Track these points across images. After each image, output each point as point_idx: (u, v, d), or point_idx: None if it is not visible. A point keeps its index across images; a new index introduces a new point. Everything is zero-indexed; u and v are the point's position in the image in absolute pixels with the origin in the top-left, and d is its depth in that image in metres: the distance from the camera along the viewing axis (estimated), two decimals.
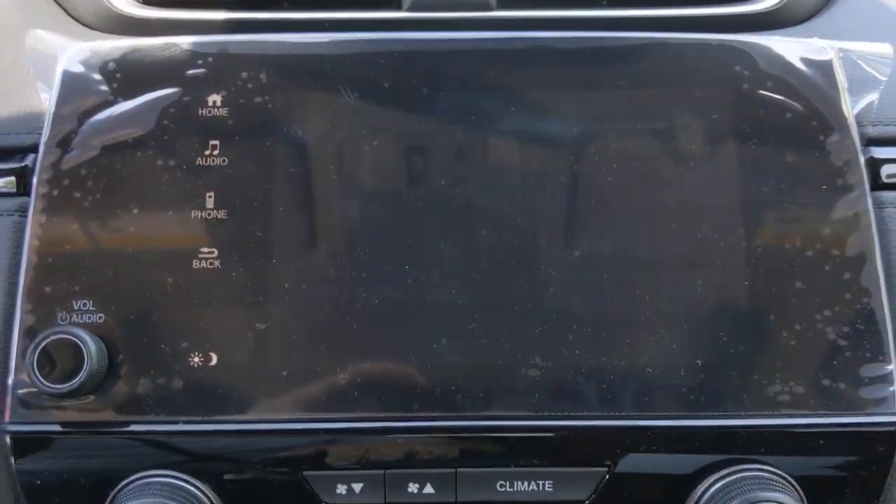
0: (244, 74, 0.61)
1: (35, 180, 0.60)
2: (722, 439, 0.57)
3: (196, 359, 0.57)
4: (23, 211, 0.62)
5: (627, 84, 0.61)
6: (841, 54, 0.64)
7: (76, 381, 0.54)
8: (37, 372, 0.54)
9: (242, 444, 0.57)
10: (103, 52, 0.62)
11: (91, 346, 0.55)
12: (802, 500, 0.56)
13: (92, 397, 0.56)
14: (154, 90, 0.61)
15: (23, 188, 0.63)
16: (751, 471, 0.56)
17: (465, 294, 0.58)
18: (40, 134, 0.63)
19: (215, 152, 0.60)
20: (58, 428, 0.56)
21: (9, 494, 0.59)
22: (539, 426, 0.57)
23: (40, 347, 0.54)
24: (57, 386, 0.54)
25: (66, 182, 0.59)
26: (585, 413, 0.57)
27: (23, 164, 0.63)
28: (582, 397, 0.57)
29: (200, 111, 0.61)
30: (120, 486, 0.56)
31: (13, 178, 0.63)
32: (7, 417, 0.56)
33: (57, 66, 0.62)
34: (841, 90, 0.63)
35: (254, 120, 0.61)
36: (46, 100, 0.63)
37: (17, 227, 0.61)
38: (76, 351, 0.55)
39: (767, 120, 0.61)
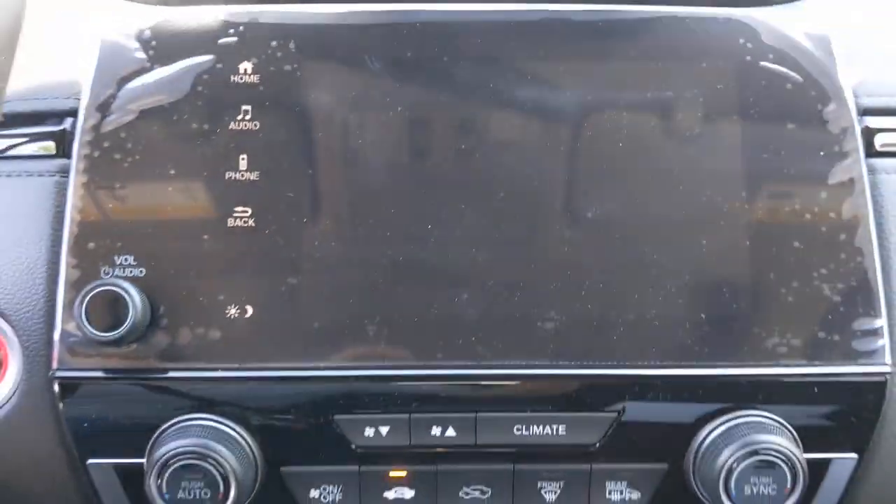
0: (274, 43, 0.64)
1: (76, 143, 0.63)
2: (723, 388, 0.61)
3: (233, 311, 0.60)
4: (63, 172, 0.65)
5: (639, 54, 0.65)
6: (839, 29, 0.68)
7: (121, 331, 0.58)
8: (85, 321, 0.58)
9: (277, 390, 0.60)
10: (139, 22, 0.65)
11: (135, 297, 0.58)
12: (798, 445, 0.60)
13: (135, 346, 0.59)
14: (188, 58, 0.64)
15: (61, 150, 0.66)
16: (750, 416, 0.61)
17: (485, 252, 0.61)
18: (77, 99, 0.66)
19: (247, 117, 0.63)
20: (102, 374, 0.60)
21: (56, 438, 0.63)
22: (553, 374, 0.61)
23: (88, 298, 0.58)
24: (104, 334, 0.58)
25: (106, 144, 0.62)
26: (597, 362, 0.60)
27: (61, 128, 0.66)
28: (593, 348, 0.60)
29: (232, 78, 0.64)
30: (161, 428, 0.60)
31: (52, 142, 0.67)
32: (55, 364, 0.60)
33: (95, 34, 0.65)
34: (838, 62, 0.67)
35: (283, 87, 0.64)
36: (83, 67, 0.66)
37: (59, 187, 0.65)
38: (121, 302, 0.58)
39: (769, 90, 0.65)
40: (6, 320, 0.63)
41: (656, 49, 0.65)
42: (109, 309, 0.58)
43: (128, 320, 0.58)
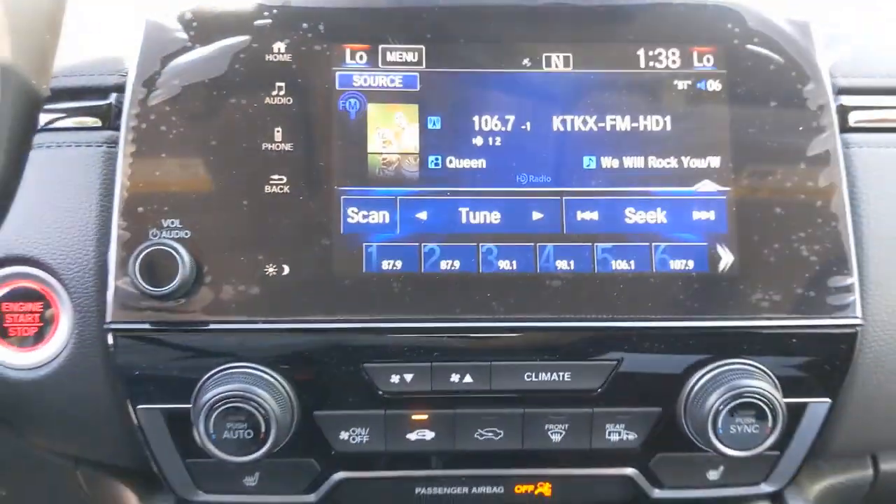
0: (305, 25, 0.70)
1: (125, 116, 0.68)
2: (711, 339, 0.68)
3: (270, 269, 0.66)
4: (110, 143, 0.70)
5: (637, 37, 0.71)
6: (818, 15, 0.74)
7: (172, 286, 0.63)
8: (139, 277, 0.63)
9: (311, 341, 0.66)
10: (182, 4, 0.70)
11: (183, 256, 0.64)
12: (778, 389, 0.67)
13: (183, 300, 0.65)
14: (226, 38, 0.70)
15: (107, 123, 0.72)
16: (735, 364, 0.67)
17: (498, 218, 0.68)
18: (122, 76, 0.71)
19: (281, 93, 0.69)
20: (153, 326, 0.65)
21: (107, 385, 0.68)
22: (559, 327, 0.67)
23: (141, 256, 0.64)
24: (156, 289, 0.63)
25: (152, 117, 0.68)
26: (598, 316, 0.67)
27: (107, 102, 0.72)
28: (595, 303, 0.67)
29: (267, 56, 0.70)
30: (206, 376, 0.66)
31: (98, 115, 0.72)
32: (109, 318, 0.65)
33: (139, 15, 0.70)
34: (817, 45, 0.73)
35: (313, 65, 0.70)
36: (126, 46, 0.72)
37: (106, 157, 0.70)
38: (170, 260, 0.64)
39: (754, 70, 0.71)
40: (59, 280, 0.69)
41: (654, 33, 0.71)
42: (160, 266, 0.64)
43: (177, 276, 0.64)
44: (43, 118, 0.72)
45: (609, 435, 0.70)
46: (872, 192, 0.71)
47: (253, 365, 0.66)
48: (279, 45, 0.70)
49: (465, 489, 0.73)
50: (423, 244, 0.67)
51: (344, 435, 0.68)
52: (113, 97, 0.71)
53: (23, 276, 0.69)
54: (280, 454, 0.66)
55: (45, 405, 0.70)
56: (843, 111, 0.74)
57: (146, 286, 0.63)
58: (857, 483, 0.81)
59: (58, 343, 0.69)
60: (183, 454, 0.69)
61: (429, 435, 0.69)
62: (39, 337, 0.70)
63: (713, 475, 0.72)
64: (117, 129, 0.70)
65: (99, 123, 0.71)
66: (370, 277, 0.67)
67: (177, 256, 0.63)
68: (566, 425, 0.69)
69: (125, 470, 0.76)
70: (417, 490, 0.73)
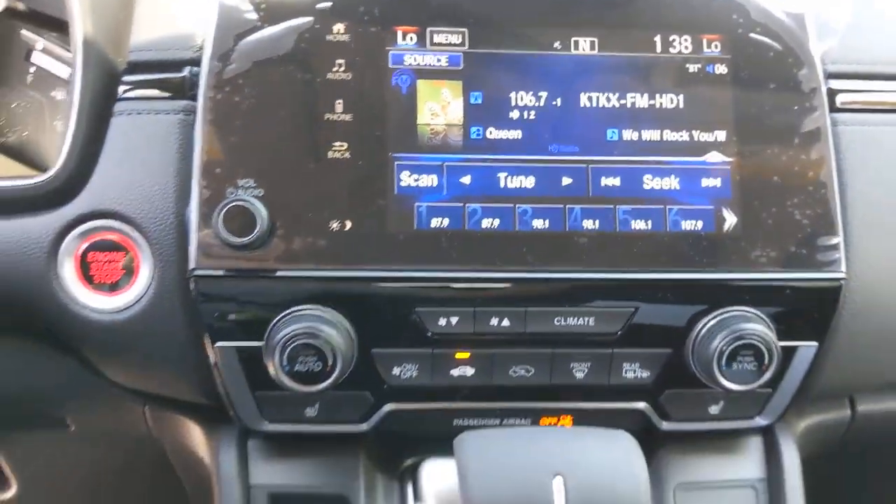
0: (361, 9, 0.78)
1: (202, 87, 0.76)
2: (717, 289, 0.78)
3: (335, 224, 0.75)
4: (186, 111, 0.78)
5: (654, 25, 0.80)
6: (811, 8, 0.84)
7: (252, 237, 0.72)
8: (223, 229, 0.72)
9: (371, 287, 0.75)
10: None
11: (261, 210, 0.72)
12: (773, 332, 0.77)
13: (258, 251, 0.74)
14: (291, 19, 0.78)
15: (181, 94, 0.79)
16: (737, 311, 0.77)
17: (533, 185, 0.77)
18: (195, 51, 0.79)
19: (341, 69, 0.77)
20: (231, 273, 0.74)
21: (186, 326, 0.77)
22: (585, 278, 0.77)
23: (225, 210, 0.72)
24: (238, 239, 0.72)
25: (227, 89, 0.76)
26: (619, 268, 0.77)
27: (181, 75, 0.80)
28: (617, 257, 0.77)
29: (328, 36, 0.78)
30: (278, 316, 0.75)
31: (173, 86, 0.80)
32: (192, 265, 0.74)
33: None
34: (810, 35, 0.83)
35: (369, 45, 0.78)
36: (199, 24, 0.80)
37: (183, 123, 0.78)
38: (249, 214, 0.72)
39: (755, 56, 0.81)
40: (141, 232, 0.77)
41: (669, 21, 0.81)
42: (240, 220, 0.72)
43: (256, 228, 0.72)
44: (121, 90, 0.80)
45: (625, 373, 0.80)
46: (856, 165, 0.81)
47: (319, 307, 0.74)
48: (338, 27, 0.78)
49: (497, 420, 0.83)
50: (466, 205, 0.77)
51: (396, 370, 0.78)
52: (186, 71, 0.79)
53: (107, 229, 0.77)
54: (340, 387, 0.75)
55: (127, 345, 0.78)
56: (832, 94, 0.83)
57: (229, 237, 0.72)
58: (837, 422, 0.92)
59: (138, 289, 0.77)
60: (252, 387, 0.78)
61: (469, 371, 0.79)
62: (122, 284, 0.78)
63: (714, 409, 0.82)
64: (191, 99, 0.78)
65: (175, 94, 0.79)
66: (421, 233, 0.76)
67: (255, 211, 0.72)
68: (588, 364, 0.79)
69: (192, 405, 0.84)
70: (455, 421, 0.82)
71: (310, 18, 0.78)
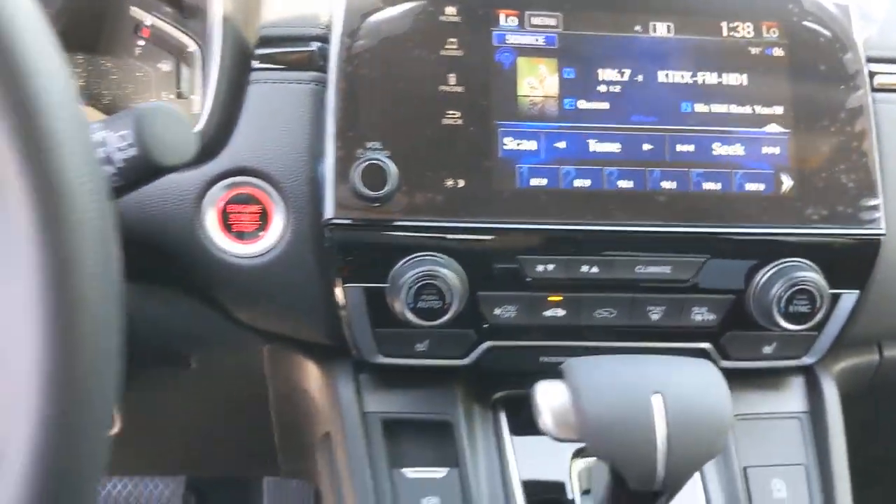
0: None
1: (333, 60, 0.87)
2: (776, 243, 0.89)
3: (449, 182, 0.86)
4: (317, 82, 0.89)
5: (721, 13, 0.92)
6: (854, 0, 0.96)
7: (384, 191, 0.83)
8: (361, 183, 0.83)
9: (480, 237, 0.86)
10: None
11: (391, 168, 0.83)
12: (823, 279, 0.89)
13: (387, 204, 0.85)
14: (409, 1, 0.89)
15: (311, 66, 0.90)
16: (793, 262, 0.89)
17: (618, 150, 0.88)
18: (321, 28, 0.90)
19: (453, 46, 0.88)
20: (363, 222, 0.85)
21: (318, 270, 0.87)
22: (664, 230, 0.88)
23: (361, 167, 0.83)
24: (373, 193, 0.83)
25: (355, 62, 0.86)
26: (693, 223, 0.88)
27: (310, 49, 0.90)
28: (691, 214, 0.88)
29: (441, 17, 0.89)
30: (402, 259, 0.85)
31: (303, 59, 0.90)
32: (329, 214, 0.85)
33: None
34: (854, 24, 0.95)
35: (476, 25, 0.89)
36: (326, 4, 0.90)
37: (313, 92, 0.88)
38: (381, 171, 0.83)
39: (808, 41, 0.93)
40: (276, 187, 0.88)
41: (734, 9, 0.92)
42: (373, 176, 0.83)
43: (388, 184, 0.83)
44: (254, 63, 0.91)
45: (694, 316, 0.92)
46: (893, 137, 0.94)
47: (437, 253, 0.86)
48: (450, 9, 0.89)
49: None
50: (561, 167, 0.88)
51: (497, 311, 0.89)
52: (314, 45, 0.90)
53: (246, 184, 0.88)
54: (447, 325, 0.86)
55: (261, 288, 0.89)
56: (871, 76, 0.96)
57: (366, 191, 0.83)
58: (867, 366, 1.05)
59: (273, 238, 0.88)
60: (372, 325, 0.89)
61: (560, 313, 0.90)
62: (256, 233, 0.89)
63: (767, 349, 0.95)
64: (319, 70, 0.89)
65: (306, 66, 0.90)
66: (522, 191, 0.87)
67: (386, 168, 0.83)
68: (664, 308, 0.91)
69: (309, 344, 0.95)
70: (541, 358, 0.94)
71: (425, 1, 0.88)
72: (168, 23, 1.00)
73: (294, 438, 1.15)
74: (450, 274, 0.84)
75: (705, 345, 0.94)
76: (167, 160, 0.65)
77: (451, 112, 0.87)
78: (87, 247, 0.48)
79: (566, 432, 0.74)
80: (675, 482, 0.74)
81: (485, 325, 0.90)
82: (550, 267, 0.88)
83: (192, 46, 0.97)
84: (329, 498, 1.11)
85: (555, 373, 0.79)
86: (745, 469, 0.95)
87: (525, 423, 0.94)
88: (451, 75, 0.88)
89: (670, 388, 0.74)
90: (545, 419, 0.75)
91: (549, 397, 0.75)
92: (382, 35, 0.88)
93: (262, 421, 1.13)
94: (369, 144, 0.86)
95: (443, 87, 0.88)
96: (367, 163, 0.83)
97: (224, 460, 1.35)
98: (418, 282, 0.83)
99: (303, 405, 1.03)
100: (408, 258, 0.86)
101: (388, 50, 0.87)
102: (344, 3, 0.88)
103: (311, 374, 0.98)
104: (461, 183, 0.86)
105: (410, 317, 0.84)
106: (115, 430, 1.20)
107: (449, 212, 0.86)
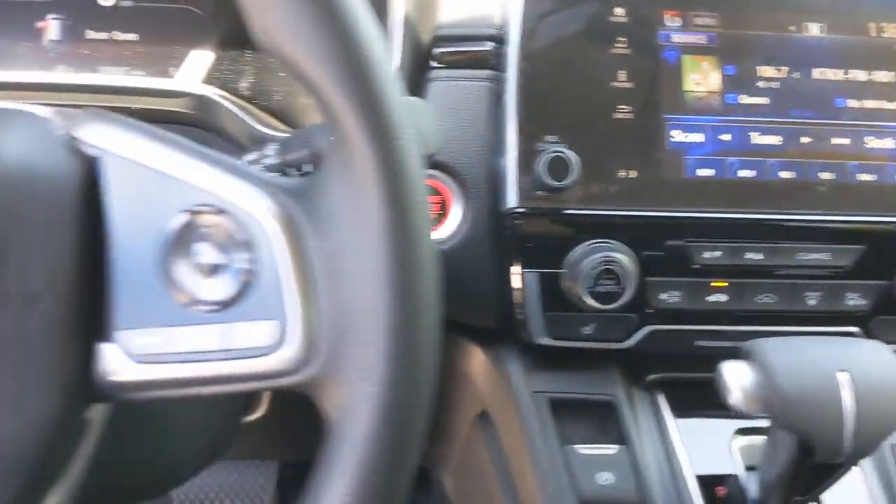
0: None
1: (511, 59, 0.92)
2: None
3: (622, 173, 0.91)
4: (492, 80, 0.94)
5: (863, 14, 0.97)
6: None
7: (566, 181, 0.88)
8: (546, 173, 0.88)
9: (651, 224, 0.91)
10: None
11: (573, 160, 0.89)
12: None
13: (565, 193, 0.90)
14: (581, 4, 0.94)
15: (486, 64, 0.95)
16: None
17: (780, 142, 0.93)
18: (496, 29, 0.95)
19: (622, 45, 0.93)
20: (544, 211, 0.90)
21: (493, 257, 0.93)
22: (825, 219, 0.93)
23: (544, 159, 0.88)
24: (557, 183, 0.88)
25: (534, 61, 0.92)
26: (852, 212, 0.93)
27: (486, 49, 0.96)
28: (850, 203, 0.93)
29: (610, 18, 0.94)
30: (577, 246, 0.90)
31: (478, 58, 0.96)
32: (513, 203, 0.90)
33: None
34: None
35: (643, 25, 0.94)
36: (501, 6, 0.96)
37: (489, 90, 0.94)
38: (564, 163, 0.88)
39: None
40: (456, 178, 0.93)
41: (878, 10, 0.97)
42: (557, 167, 0.89)
43: (570, 174, 0.88)
44: (431, 62, 0.96)
45: (847, 301, 0.96)
46: None
47: (610, 240, 0.91)
48: (619, 10, 0.94)
49: (730, 342, 0.99)
50: (726, 158, 0.93)
51: (663, 296, 0.94)
52: (489, 45, 0.95)
53: (428, 177, 0.94)
54: (615, 310, 0.91)
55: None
56: None
57: (551, 181, 0.88)
58: None
59: (452, 227, 0.93)
60: (544, 308, 0.94)
61: (723, 298, 0.95)
62: (438, 220, 0.94)
63: None
64: (494, 69, 0.94)
65: (478, 65, 0.95)
66: (690, 181, 0.92)
67: (569, 161, 0.88)
68: (820, 293, 0.95)
69: (476, 328, 1.00)
70: (696, 342, 0.99)
71: (598, 3, 0.94)
72: None
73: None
74: (626, 259, 0.89)
75: (853, 328, 0.99)
76: (426, 150, 0.70)
77: (621, 106, 0.92)
78: (425, 223, 0.54)
79: (757, 408, 0.79)
80: (860, 453, 0.78)
81: (648, 310, 0.95)
82: (717, 254, 0.93)
83: None
84: (451, 481, 1.16)
85: (725, 355, 0.84)
86: (892, 446, 0.99)
87: (682, 405, 0.99)
88: (621, 72, 0.93)
89: (855, 366, 0.79)
90: (736, 396, 0.79)
91: (739, 376, 0.80)
92: (557, 35, 0.93)
93: None
94: (548, 138, 0.91)
95: (614, 84, 0.93)
96: (552, 154, 0.88)
97: None
98: (598, 267, 0.88)
99: (454, 388, 1.08)
100: (583, 244, 0.91)
101: (563, 49, 0.93)
102: (521, 5, 0.94)
103: (476, 357, 1.03)
104: (633, 174, 0.91)
105: (588, 300, 0.89)
106: (258, 414, 1.26)
107: (623, 201, 0.91)
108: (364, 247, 0.53)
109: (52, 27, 1.01)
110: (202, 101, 0.94)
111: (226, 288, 0.54)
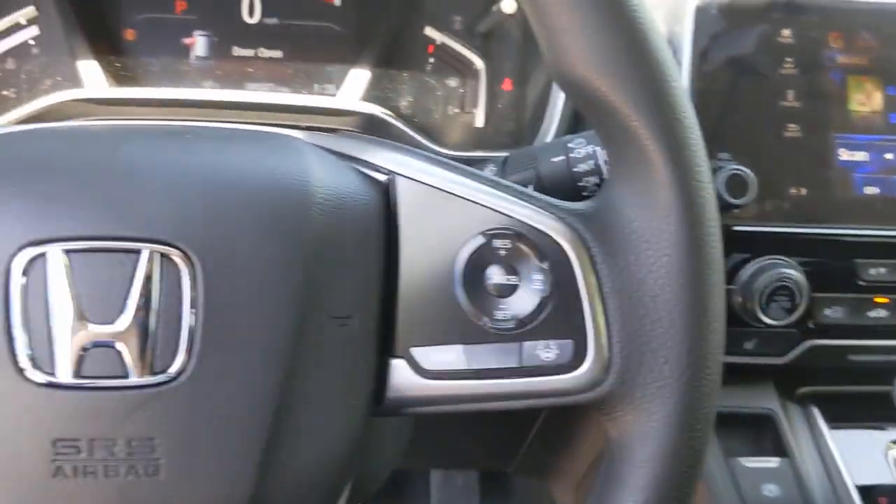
0: (803, 18, 0.96)
1: (687, 75, 0.93)
2: None
3: (793, 190, 0.93)
4: None
5: None
6: None
7: (745, 198, 0.89)
8: (725, 189, 0.89)
9: (820, 242, 0.93)
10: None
11: (751, 177, 0.90)
12: None
13: (739, 210, 0.91)
14: (750, 24, 0.95)
15: None
16: None
17: None
18: None
19: (790, 65, 0.95)
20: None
21: None
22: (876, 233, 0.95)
23: (725, 176, 0.89)
24: (736, 200, 0.90)
25: (706, 79, 0.93)
26: None
27: None
28: None
29: (778, 39, 0.96)
30: (748, 263, 0.92)
31: None
32: None
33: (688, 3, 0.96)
34: None
35: (809, 46, 0.96)
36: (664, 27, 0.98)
37: None
38: (742, 180, 0.89)
39: None
40: None
41: None
42: (735, 184, 0.90)
43: (748, 192, 0.90)
44: None
45: None
46: None
47: (782, 257, 0.93)
48: (786, 31, 0.96)
49: (885, 357, 1.01)
50: (891, 176, 0.95)
51: (827, 311, 0.96)
52: None
53: None
54: (783, 326, 0.93)
55: None
56: None
57: (730, 199, 0.89)
58: None
59: None
60: None
61: (883, 313, 0.96)
62: None
63: None
64: None
65: None
66: (858, 198, 0.94)
67: (747, 178, 0.90)
68: None
69: None
70: (849, 356, 1.00)
71: (766, 25, 0.95)
72: (458, 42, 1.07)
73: (556, 431, 1.21)
74: (799, 276, 0.91)
75: None
76: None
77: (791, 125, 0.94)
78: (718, 241, 0.56)
79: None
80: None
81: (810, 325, 0.97)
82: (882, 270, 0.95)
83: (478, 63, 1.06)
84: (571, 495, 1.18)
85: (879, 369, 0.86)
86: None
87: (835, 417, 1.01)
88: (789, 92, 0.95)
89: None
90: None
91: None
92: (727, 55, 0.95)
93: (524, 415, 1.19)
94: (721, 155, 0.93)
95: (783, 103, 0.95)
96: (731, 172, 0.90)
97: (468, 452, 1.41)
98: (773, 283, 0.90)
99: None
100: (754, 261, 0.92)
101: (733, 68, 0.95)
102: (692, 26, 0.95)
103: None
104: (804, 191, 0.93)
105: (762, 316, 0.91)
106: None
107: (794, 218, 0.93)
108: (658, 265, 0.55)
109: (199, 43, 1.03)
110: (370, 120, 0.96)
111: (521, 307, 0.56)
